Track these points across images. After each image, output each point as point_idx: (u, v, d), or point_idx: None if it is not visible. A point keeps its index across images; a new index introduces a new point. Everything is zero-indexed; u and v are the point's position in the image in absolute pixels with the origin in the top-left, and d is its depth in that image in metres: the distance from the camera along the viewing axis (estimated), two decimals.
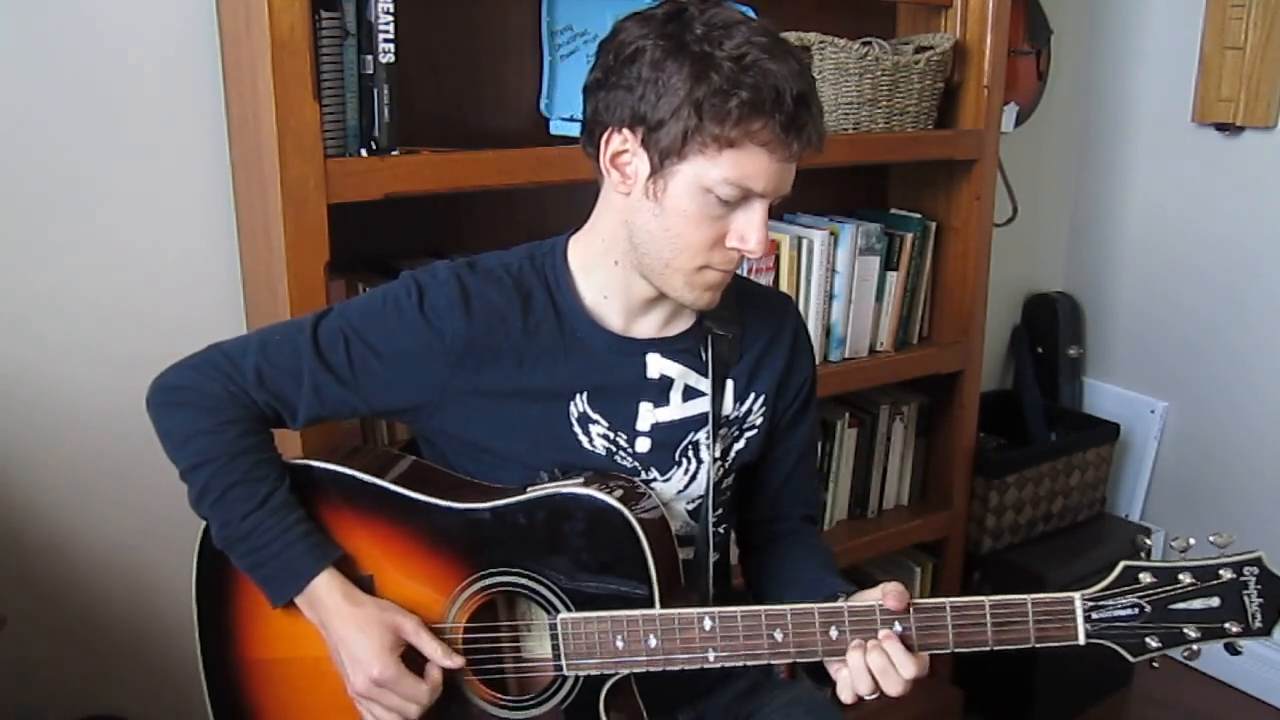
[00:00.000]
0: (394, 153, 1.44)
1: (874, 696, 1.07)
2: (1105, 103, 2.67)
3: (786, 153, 1.05)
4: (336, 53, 1.39)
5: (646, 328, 1.21)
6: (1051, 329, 2.72)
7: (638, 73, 1.05)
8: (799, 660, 1.11)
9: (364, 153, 1.43)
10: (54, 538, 1.60)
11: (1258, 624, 1.02)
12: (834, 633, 1.08)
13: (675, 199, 1.07)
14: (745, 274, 1.79)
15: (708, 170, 1.05)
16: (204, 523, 1.16)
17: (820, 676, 1.16)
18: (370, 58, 1.40)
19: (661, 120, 1.04)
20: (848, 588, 1.19)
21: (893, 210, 2.18)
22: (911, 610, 1.07)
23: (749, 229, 1.08)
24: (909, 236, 2.07)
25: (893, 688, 1.06)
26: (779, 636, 1.09)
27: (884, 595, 1.07)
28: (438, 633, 1.14)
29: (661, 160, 1.06)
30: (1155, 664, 1.06)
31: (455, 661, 1.13)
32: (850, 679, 1.07)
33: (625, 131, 1.08)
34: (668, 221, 1.08)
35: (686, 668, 1.11)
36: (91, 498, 1.61)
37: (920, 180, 2.18)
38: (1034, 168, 2.59)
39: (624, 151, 1.09)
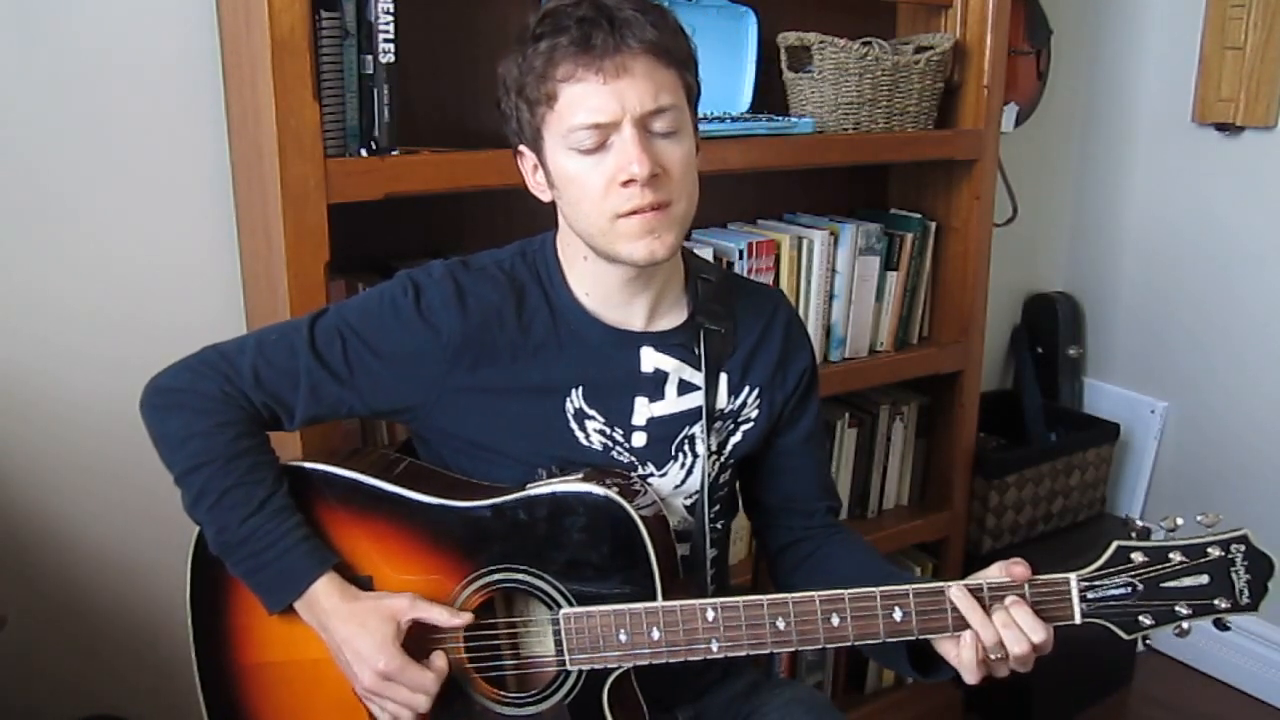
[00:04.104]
0: (394, 153, 1.45)
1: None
2: (1105, 103, 2.67)
3: (598, 66, 1.06)
4: (336, 53, 1.40)
5: (636, 319, 1.22)
6: (1051, 329, 2.72)
7: (500, 97, 1.16)
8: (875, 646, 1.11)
9: (364, 153, 1.44)
10: (54, 538, 1.60)
11: (1245, 600, 1.04)
12: (835, 620, 1.08)
13: (559, 171, 1.12)
14: (745, 274, 1.80)
15: (557, 130, 1.10)
16: (197, 528, 1.15)
17: (925, 669, 1.17)
18: (370, 58, 1.41)
19: (517, 120, 1.14)
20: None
21: (893, 210, 2.18)
22: (911, 594, 1.08)
23: (625, 157, 1.08)
24: (909, 236, 2.07)
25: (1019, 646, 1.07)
26: (781, 625, 1.09)
27: (1006, 569, 1.08)
28: (436, 630, 1.14)
29: (537, 152, 1.14)
30: (1149, 640, 1.07)
31: (463, 618, 1.12)
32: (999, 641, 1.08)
33: (520, 150, 1.18)
34: (567, 193, 1.13)
35: (690, 659, 1.11)
36: (92, 498, 1.61)
37: (920, 180, 2.19)
38: (1034, 168, 2.59)
39: (530, 168, 1.17)
